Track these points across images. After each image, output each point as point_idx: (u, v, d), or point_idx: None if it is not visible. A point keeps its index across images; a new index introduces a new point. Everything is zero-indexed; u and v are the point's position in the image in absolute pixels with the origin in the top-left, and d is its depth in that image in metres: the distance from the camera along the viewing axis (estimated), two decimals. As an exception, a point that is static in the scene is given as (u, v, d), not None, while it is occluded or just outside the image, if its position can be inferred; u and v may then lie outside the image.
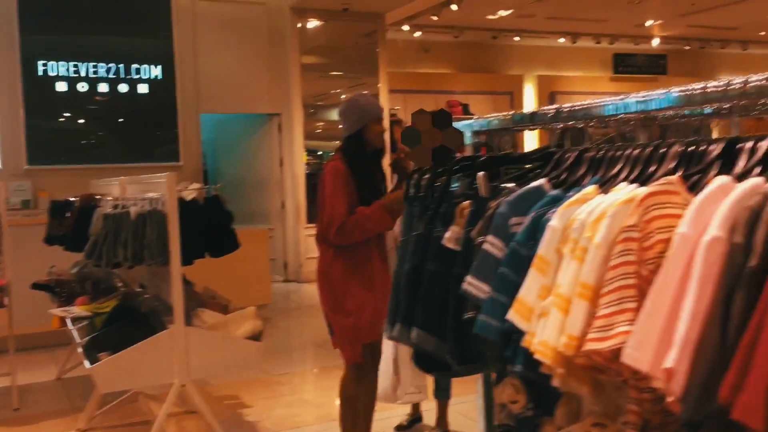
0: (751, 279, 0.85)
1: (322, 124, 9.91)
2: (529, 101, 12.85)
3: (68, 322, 3.77)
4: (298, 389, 4.91)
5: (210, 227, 3.46)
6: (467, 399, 4.34)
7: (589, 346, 1.01)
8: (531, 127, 1.72)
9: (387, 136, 3.02)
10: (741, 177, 1.03)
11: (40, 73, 7.60)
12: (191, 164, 8.25)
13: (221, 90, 8.55)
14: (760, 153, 1.06)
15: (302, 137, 9.06)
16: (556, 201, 1.24)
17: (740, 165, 1.07)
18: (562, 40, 12.21)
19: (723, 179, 1.00)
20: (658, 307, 0.94)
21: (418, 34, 11.10)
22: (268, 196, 9.25)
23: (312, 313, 6.39)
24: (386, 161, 3.21)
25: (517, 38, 11.88)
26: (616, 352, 0.97)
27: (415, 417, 3.88)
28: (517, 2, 9.94)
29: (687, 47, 13.47)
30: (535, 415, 1.35)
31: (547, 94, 12.84)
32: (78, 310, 3.76)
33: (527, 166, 1.46)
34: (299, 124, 9.04)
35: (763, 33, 13.15)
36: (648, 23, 11.86)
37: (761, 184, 0.96)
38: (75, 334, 3.56)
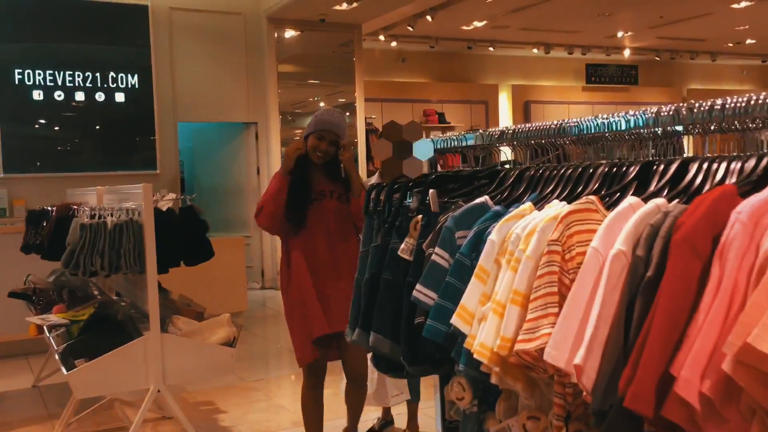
0: (648, 287, 0.99)
1: (299, 131, 10.01)
2: (504, 110, 13.05)
3: (45, 329, 3.84)
4: (273, 395, 5.00)
5: (185, 236, 3.55)
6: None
7: (519, 346, 1.14)
8: (475, 151, 1.86)
9: (323, 151, 3.17)
10: (651, 196, 1.16)
11: (16, 81, 7.64)
12: (168, 172, 8.31)
13: (198, 98, 8.63)
14: (668, 175, 1.20)
15: (279, 145, 9.15)
16: (498, 216, 1.36)
17: (653, 185, 1.21)
18: (535, 50, 12.44)
19: (633, 199, 1.14)
20: (573, 311, 1.07)
21: (394, 43, 11.26)
22: (245, 204, 9.32)
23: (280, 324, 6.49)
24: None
25: (491, 48, 12.09)
26: (542, 352, 1.09)
27: (387, 420, 3.99)
28: (491, 13, 10.14)
29: (657, 58, 13.79)
30: (480, 410, 1.47)
31: (522, 103, 13.06)
32: (55, 318, 3.83)
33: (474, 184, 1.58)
34: (276, 133, 9.13)
35: (731, 44, 13.50)
36: (619, 35, 12.13)
37: (664, 203, 1.09)
38: (52, 341, 3.63)
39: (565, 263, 1.14)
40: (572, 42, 12.46)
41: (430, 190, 1.52)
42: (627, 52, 13.34)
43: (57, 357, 3.43)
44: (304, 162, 3.20)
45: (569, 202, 1.25)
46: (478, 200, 1.45)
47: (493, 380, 1.24)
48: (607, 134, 1.48)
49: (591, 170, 1.35)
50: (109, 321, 3.49)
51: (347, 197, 3.18)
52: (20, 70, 7.65)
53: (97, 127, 8.16)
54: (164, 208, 3.52)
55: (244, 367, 4.77)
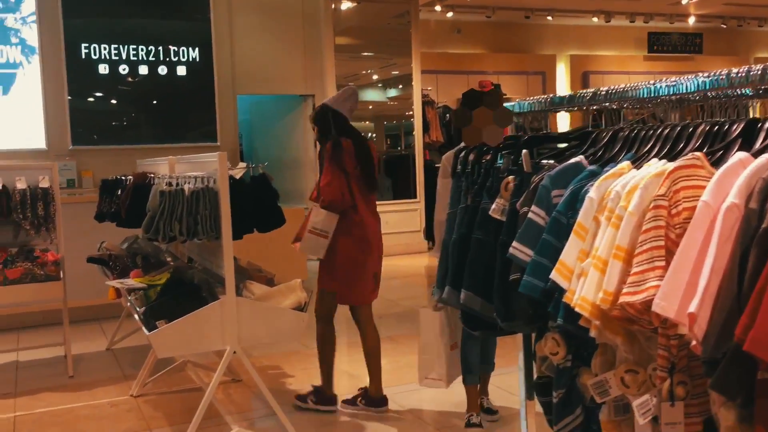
0: (763, 239, 1.00)
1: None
2: (562, 81, 12.84)
3: (124, 293, 4.00)
4: (336, 361, 5.10)
5: (257, 204, 3.64)
6: (499, 372, 4.51)
7: (624, 299, 1.16)
8: (567, 109, 1.85)
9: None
10: (758, 153, 1.17)
11: (83, 56, 7.85)
12: (228, 144, 8.47)
13: (257, 71, 8.73)
14: (776, 131, 1.20)
15: (335, 118, 9.20)
16: (593, 175, 1.38)
17: (758, 142, 1.21)
18: (595, 19, 12.16)
19: (742, 154, 1.14)
20: (682, 263, 1.09)
21: (450, 14, 11.16)
22: (302, 176, 9.44)
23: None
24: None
25: (550, 18, 11.87)
26: (647, 304, 1.12)
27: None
28: (550, -18, 9.94)
29: (723, 26, 13.33)
30: (573, 365, 1.51)
31: (580, 74, 12.81)
32: (133, 282, 3.99)
33: (565, 144, 1.60)
34: (333, 105, 9.18)
35: (800, 11, 12.96)
36: (684, 1, 11.75)
37: (776, 158, 1.10)
38: (132, 303, 3.79)
39: (671, 218, 1.15)
40: (634, 10, 12.12)
41: (524, 151, 1.55)
42: (691, 20, 12.92)
43: (138, 319, 3.58)
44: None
45: (671, 161, 1.26)
46: (573, 160, 1.47)
47: (593, 334, 1.27)
48: (696, 95, 1.47)
49: (691, 129, 1.35)
50: (185, 285, 3.62)
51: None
52: (86, 45, 7.86)
53: (160, 100, 8.36)
54: (237, 176, 3.62)
55: (307, 334, 4.87)
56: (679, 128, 1.37)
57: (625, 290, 1.16)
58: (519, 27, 12.30)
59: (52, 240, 4.98)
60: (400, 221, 9.47)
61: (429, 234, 9.68)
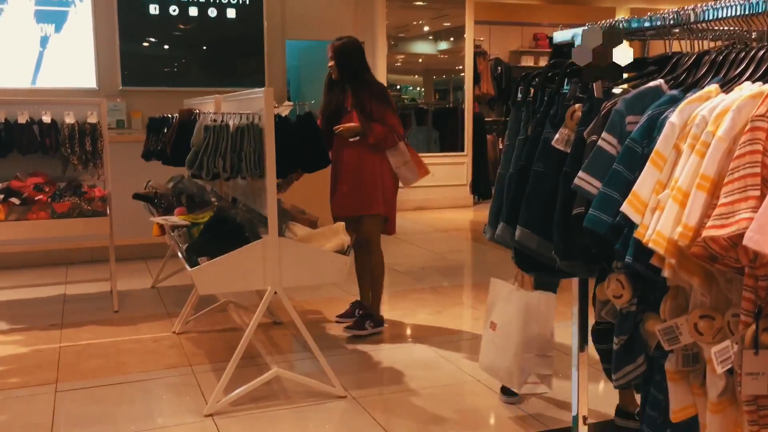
0: None
1: (402, 56, 9.84)
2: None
3: (168, 229, 3.98)
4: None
5: (302, 143, 3.55)
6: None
7: (708, 233, 1.03)
8: (643, 37, 1.69)
9: (330, 68, 4.29)
10: None
11: (134, -4, 7.80)
12: (276, 90, 8.31)
13: (307, 17, 8.58)
14: None
15: (385, 67, 9.04)
16: (674, 101, 1.24)
17: None
18: (659, -30, 11.59)
19: None
20: (784, 192, 0.95)
21: (505, -37, 10.74)
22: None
23: (389, 239, 6.52)
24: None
25: (610, -32, 11.36)
26: (735, 240, 0.99)
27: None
28: (614, -71, 9.46)
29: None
30: (638, 310, 1.38)
31: (640, 28, 12.29)
32: (177, 219, 3.97)
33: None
34: (383, 53, 9.01)
35: None
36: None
37: None
38: (176, 240, 3.77)
39: (770, 143, 1.01)
40: (701, -38, 11.52)
41: (594, 75, 1.40)
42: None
43: (180, 255, 3.56)
44: (334, 83, 4.31)
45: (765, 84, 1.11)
46: (651, 83, 1.32)
47: (666, 274, 1.14)
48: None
49: (792, 49, 1.19)
50: (228, 223, 3.57)
51: (359, 110, 4.15)
52: (138, -16, 7.80)
53: (209, 43, 8.29)
54: (283, 114, 3.52)
55: (351, 280, 4.83)
56: (776, 49, 1.21)
57: (710, 223, 1.03)
58: (578, -23, 11.81)
59: (100, 176, 5.00)
60: (446, 174, 9.31)
61: (476, 188, 9.52)
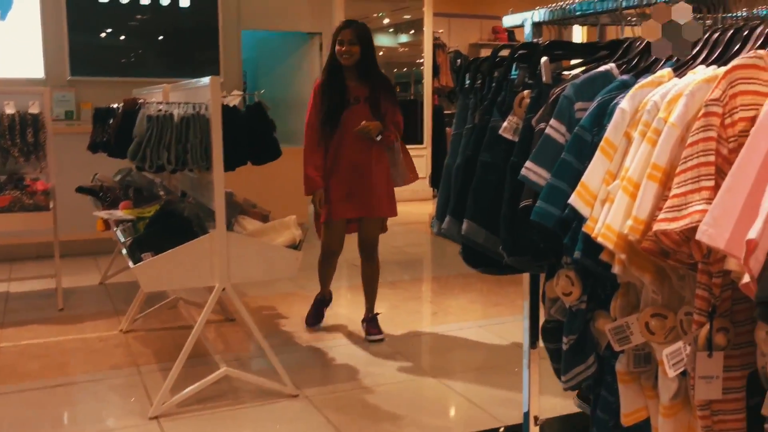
0: None
1: (362, 48, 9.74)
2: (577, 30, 12.42)
3: (112, 224, 3.83)
4: (333, 304, 4.97)
5: (252, 134, 3.43)
6: (503, 320, 4.37)
7: (659, 226, 0.96)
8: (594, 21, 1.62)
9: (345, 52, 3.80)
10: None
11: (83, -18, 7.54)
12: (231, 81, 8.19)
13: (263, 6, 8.41)
14: None
15: (344, 59, 8.91)
16: (625, 86, 1.17)
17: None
18: (616, -35, 11.69)
19: (820, 51, 0.92)
20: (740, 182, 0.88)
21: (465, -47, 10.71)
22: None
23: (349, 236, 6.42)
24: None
25: (569, -38, 11.40)
26: (688, 233, 0.92)
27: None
28: None
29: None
30: (588, 308, 1.32)
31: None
32: (122, 213, 3.81)
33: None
34: (341, 45, 8.88)
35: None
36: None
37: None
38: (119, 235, 3.62)
39: (725, 129, 0.94)
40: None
41: (543, 58, 1.32)
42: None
43: (124, 251, 3.41)
44: (338, 69, 3.84)
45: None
46: (601, 68, 1.25)
47: (616, 270, 1.07)
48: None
49: (746, 32, 1.12)
50: (175, 217, 3.43)
51: (371, 104, 3.81)
52: (87, -28, 7.54)
53: (162, 33, 8.07)
54: (231, 104, 3.40)
55: (306, 276, 4.72)
56: (731, 32, 1.15)
57: (661, 216, 0.96)
58: (538, -30, 11.83)
59: (42, 169, 4.80)
60: (406, 167, 9.24)
61: (435, 181, 9.47)
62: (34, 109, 4.65)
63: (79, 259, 5.98)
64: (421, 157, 9.35)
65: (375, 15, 9.94)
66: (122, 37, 7.94)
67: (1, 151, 4.64)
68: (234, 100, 3.46)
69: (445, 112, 9.86)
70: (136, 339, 4.07)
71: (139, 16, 7.89)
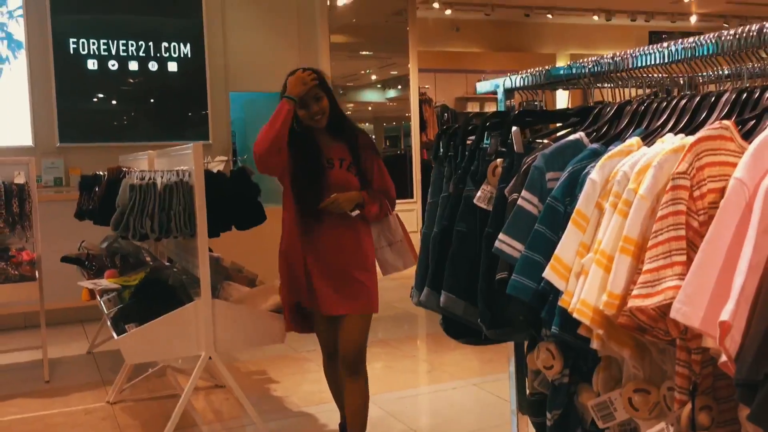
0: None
1: (351, 104, 9.84)
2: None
3: (96, 294, 3.78)
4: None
5: (237, 200, 3.43)
6: (498, 377, 4.30)
7: (633, 303, 0.94)
8: (565, 85, 1.63)
9: (315, 113, 2.89)
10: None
11: (71, 51, 7.63)
12: (220, 142, 8.24)
13: (250, 68, 8.52)
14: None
15: (331, 116, 9.01)
16: (596, 155, 1.16)
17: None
18: (596, 17, 11.97)
19: (784, 122, 0.92)
20: (711, 258, 0.86)
21: (448, 12, 10.95)
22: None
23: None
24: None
25: (549, 16, 11.66)
26: (664, 309, 0.89)
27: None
28: (551, -22, 9.74)
29: (726, 25, 13.11)
30: (571, 381, 1.28)
31: (581, 73, 12.62)
32: (106, 282, 3.77)
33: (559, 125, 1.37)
34: (329, 103, 8.99)
35: (806, 10, 12.73)
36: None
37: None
38: (103, 306, 3.57)
39: (694, 202, 0.93)
40: (635, 8, 11.93)
41: (513, 128, 1.32)
42: (693, 19, 12.73)
43: (108, 322, 3.36)
44: (305, 133, 2.91)
45: (689, 135, 1.04)
46: (571, 137, 1.24)
47: (595, 345, 1.04)
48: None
49: (714, 98, 1.12)
50: (160, 286, 3.39)
51: (360, 170, 2.92)
52: (75, 40, 7.64)
53: (151, 97, 8.15)
54: (215, 170, 3.40)
55: (296, 337, 4.64)
56: (698, 98, 1.15)
57: (635, 292, 0.94)
58: (518, 25, 12.10)
59: (28, 239, 4.76)
60: (396, 222, 9.25)
61: (426, 235, 9.48)
62: (19, 179, 4.64)
63: (66, 327, 5.89)
64: (411, 211, 9.36)
65: (362, 72, 10.10)
66: (111, 103, 8.01)
67: (-14, 222, 4.60)
68: (218, 165, 3.46)
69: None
70: (124, 410, 3.97)
71: (128, 81, 7.97)
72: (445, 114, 10.77)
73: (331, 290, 2.88)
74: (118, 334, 3.04)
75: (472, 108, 11.73)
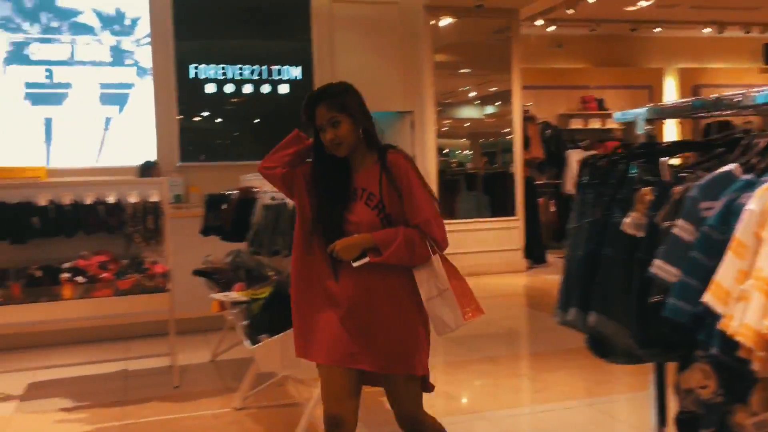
0: None
1: (449, 121, 9.96)
2: (670, 95, 12.29)
3: (228, 306, 4.04)
4: (437, 381, 4.97)
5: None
6: (611, 398, 4.26)
7: (799, 328, 1.00)
8: (708, 116, 1.68)
9: (332, 140, 2.48)
10: None
11: (192, 75, 8.16)
12: (328, 161, 8.53)
13: (357, 89, 8.78)
14: None
15: (434, 134, 9.17)
16: (750, 185, 1.22)
17: None
18: (707, 30, 11.59)
19: None
20: None
21: (552, 28, 10.90)
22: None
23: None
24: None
25: (658, 29, 11.40)
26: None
27: None
28: (659, -8, 9.55)
29: None
30: (725, 401, 1.33)
31: (690, 88, 12.23)
32: (236, 295, 4.02)
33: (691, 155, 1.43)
34: (431, 122, 9.15)
35: None
36: (804, 9, 11.03)
37: None
38: (235, 317, 3.81)
39: None
40: (749, 20, 11.47)
41: (661, 159, 1.39)
42: (812, 30, 12.12)
43: (243, 333, 3.59)
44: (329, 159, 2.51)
45: None
46: (724, 168, 1.31)
47: (755, 367, 1.10)
48: None
49: None
50: (288, 299, 3.59)
51: (382, 203, 2.41)
52: (195, 65, 8.16)
53: (263, 118, 8.57)
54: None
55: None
56: None
57: (800, 317, 1.00)
58: (624, 40, 11.89)
59: (161, 252, 5.13)
60: (497, 239, 9.27)
61: (530, 252, 9.42)
62: (154, 198, 5.02)
63: (189, 336, 6.24)
64: (514, 228, 9.35)
65: (462, 89, 10.22)
66: (227, 125, 8.49)
67: (124, 237, 5.00)
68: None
69: (535, 182, 9.89)
70: (249, 416, 4.20)
71: (241, 104, 8.43)
72: (547, 131, 10.71)
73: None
74: (252, 344, 3.26)
75: (576, 125, 11.59)
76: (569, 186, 9.86)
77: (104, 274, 4.70)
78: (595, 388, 4.58)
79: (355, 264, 2.37)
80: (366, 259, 2.37)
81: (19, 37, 7.61)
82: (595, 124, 11.63)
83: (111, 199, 4.95)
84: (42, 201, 4.73)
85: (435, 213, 2.38)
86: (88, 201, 4.88)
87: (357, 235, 2.38)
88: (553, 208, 10.46)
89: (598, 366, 4.97)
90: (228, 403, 4.42)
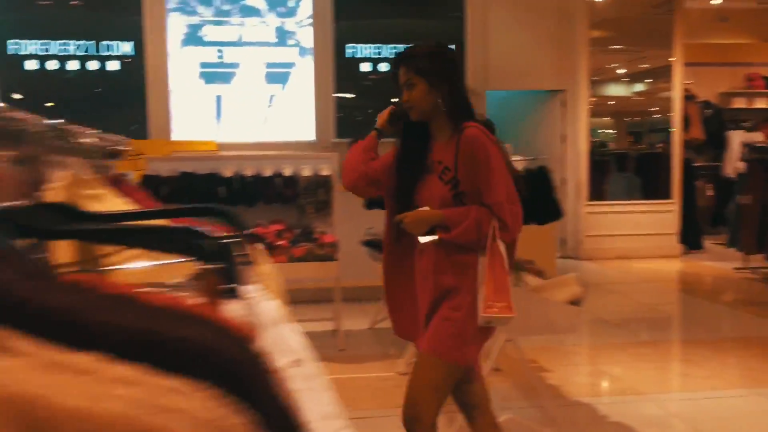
0: None
1: (594, 99, 9.72)
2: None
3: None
4: (593, 361, 4.98)
5: (536, 196, 3.67)
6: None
7: None
8: None
9: (405, 101, 2.42)
10: None
11: (347, 55, 8.46)
12: (478, 139, 8.59)
13: (509, 67, 8.77)
14: None
15: (587, 113, 8.97)
16: None
17: None
18: None
19: None
20: None
21: (717, 1, 10.30)
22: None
23: (596, 291, 6.39)
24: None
25: (838, -1, 10.47)
26: None
27: None
28: (844, -41, 8.77)
29: None
30: None
31: None
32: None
33: None
34: (584, 101, 8.95)
35: None
36: None
37: None
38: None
39: None
40: None
41: None
42: None
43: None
44: (414, 126, 2.45)
45: None
46: None
47: None
48: None
49: None
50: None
51: (456, 179, 2.28)
52: (351, 45, 8.45)
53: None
54: (518, 168, 3.66)
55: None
56: None
57: None
58: (798, 12, 11.01)
59: (329, 223, 5.44)
60: (651, 223, 8.97)
61: (685, 237, 9.05)
62: (325, 171, 5.32)
63: (348, 304, 6.58)
64: (669, 212, 9.02)
65: (615, 65, 9.92)
66: (380, 103, 8.72)
67: (298, 208, 5.35)
68: (520, 164, 3.73)
69: (693, 165, 9.46)
70: (413, 382, 4.41)
71: (390, 83, 8.65)
72: (708, 110, 10.18)
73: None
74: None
75: (738, 104, 10.94)
76: (729, 169, 9.35)
77: (280, 242, 5.06)
78: (765, 378, 4.43)
79: (422, 240, 2.29)
80: (435, 237, 2.27)
81: (194, 19, 8.20)
82: (761, 103, 10.91)
83: (287, 172, 5.31)
84: (227, 173, 5.15)
85: (511, 196, 2.29)
86: (267, 173, 5.26)
87: (427, 209, 2.30)
88: (710, 192, 9.96)
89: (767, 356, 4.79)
90: (391, 367, 4.65)
